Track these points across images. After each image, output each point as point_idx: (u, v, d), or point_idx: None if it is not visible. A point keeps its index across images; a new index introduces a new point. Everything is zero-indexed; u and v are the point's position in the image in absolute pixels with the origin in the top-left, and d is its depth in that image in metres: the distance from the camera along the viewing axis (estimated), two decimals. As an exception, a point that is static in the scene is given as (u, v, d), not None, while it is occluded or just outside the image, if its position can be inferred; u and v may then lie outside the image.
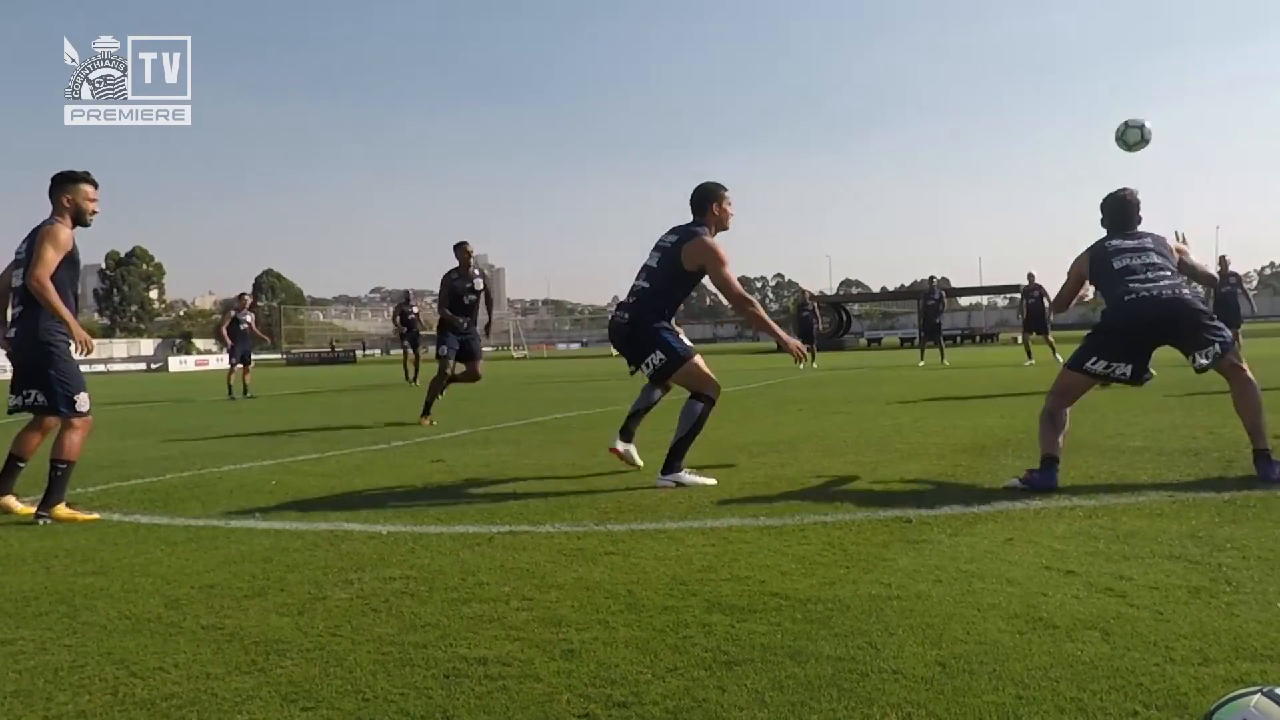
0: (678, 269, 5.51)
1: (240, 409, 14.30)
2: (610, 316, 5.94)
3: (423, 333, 20.68)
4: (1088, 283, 5.30)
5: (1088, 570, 3.18)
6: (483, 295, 10.25)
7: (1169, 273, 4.93)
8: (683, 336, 5.67)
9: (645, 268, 5.69)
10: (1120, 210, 5.22)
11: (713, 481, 5.32)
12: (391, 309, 21.58)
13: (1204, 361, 4.78)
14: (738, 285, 5.59)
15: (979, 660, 2.37)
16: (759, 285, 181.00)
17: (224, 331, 17.80)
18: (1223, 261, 16.66)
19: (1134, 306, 4.84)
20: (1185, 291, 4.88)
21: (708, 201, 5.62)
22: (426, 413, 10.11)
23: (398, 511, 4.78)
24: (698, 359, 5.60)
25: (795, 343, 5.89)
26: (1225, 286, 16.75)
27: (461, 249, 10.14)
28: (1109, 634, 2.53)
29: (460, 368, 10.16)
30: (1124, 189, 5.26)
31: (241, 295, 18.89)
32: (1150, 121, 5.59)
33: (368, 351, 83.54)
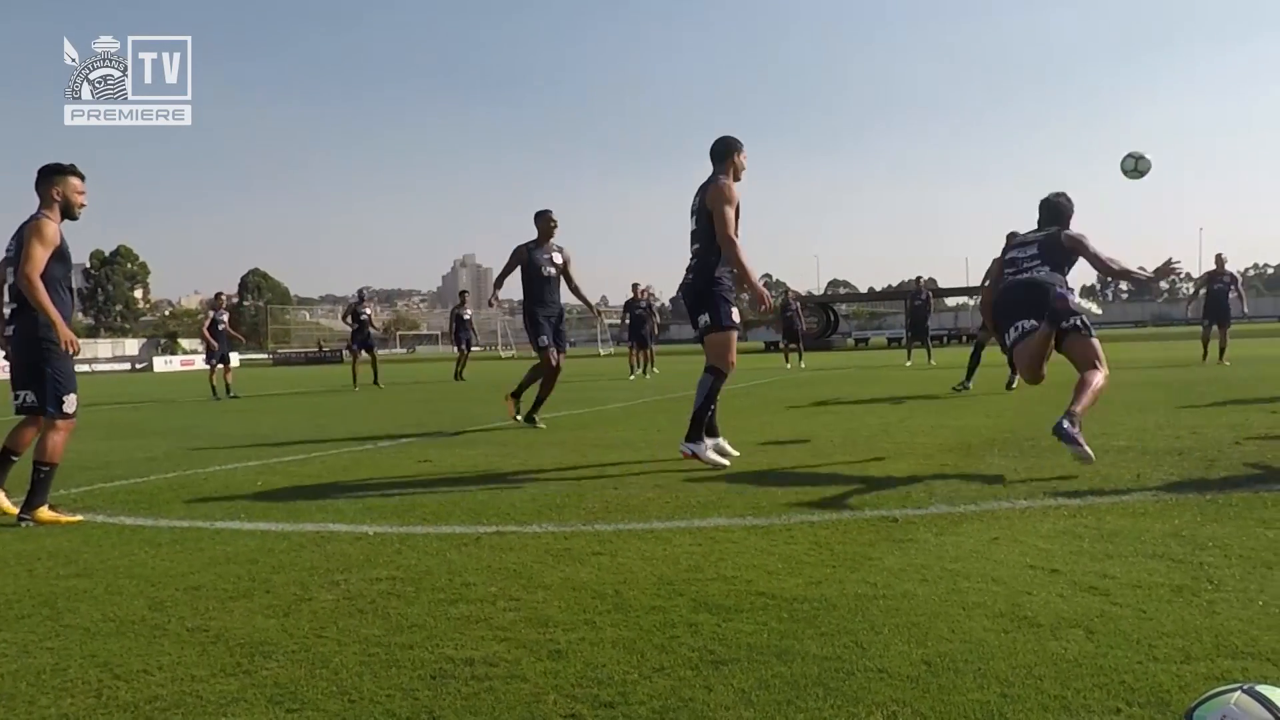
0: (709, 220, 6.02)
1: (226, 409, 14.23)
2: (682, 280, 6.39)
3: (374, 333, 19.80)
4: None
5: (1072, 569, 3.20)
6: (563, 275, 9.14)
7: (1038, 262, 5.75)
8: (734, 310, 6.15)
9: (692, 233, 6.21)
10: (1039, 211, 6.08)
11: (726, 463, 5.71)
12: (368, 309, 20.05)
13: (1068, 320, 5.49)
14: (731, 224, 5.93)
15: (964, 659, 2.39)
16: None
17: (205, 333, 17.61)
18: (1218, 260, 16.78)
19: (1005, 288, 5.83)
20: (1043, 276, 5.66)
21: (731, 152, 6.18)
22: (516, 395, 9.37)
23: (384, 512, 4.77)
24: (732, 335, 6.07)
25: (762, 290, 6.07)
26: (1218, 284, 16.83)
27: (544, 218, 9.08)
28: (1093, 632, 2.55)
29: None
30: (1049, 195, 6.11)
31: (218, 294, 18.64)
32: (1150, 154, 6.18)
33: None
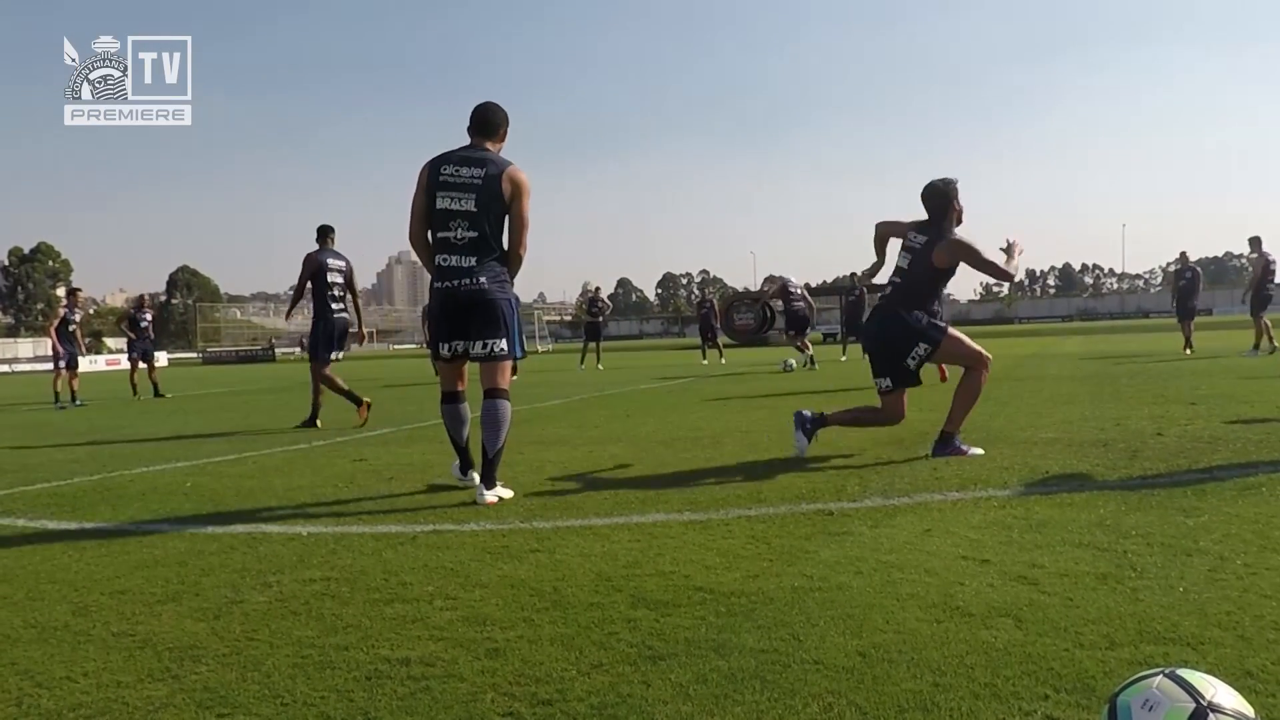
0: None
1: (150, 409, 13.86)
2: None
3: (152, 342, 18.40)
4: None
5: (1002, 559, 3.27)
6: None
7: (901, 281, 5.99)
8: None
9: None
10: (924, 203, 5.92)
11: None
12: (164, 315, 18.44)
13: None
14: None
15: (898, 649, 2.42)
16: (684, 281, 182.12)
17: (52, 333, 16.43)
18: (1183, 257, 17.42)
19: (871, 318, 6.22)
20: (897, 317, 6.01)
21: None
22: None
23: (318, 512, 4.69)
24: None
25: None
26: (1183, 280, 17.40)
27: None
28: (1022, 621, 2.60)
29: None
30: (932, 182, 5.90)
31: (72, 291, 17.65)
32: None
33: (288, 350, 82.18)
